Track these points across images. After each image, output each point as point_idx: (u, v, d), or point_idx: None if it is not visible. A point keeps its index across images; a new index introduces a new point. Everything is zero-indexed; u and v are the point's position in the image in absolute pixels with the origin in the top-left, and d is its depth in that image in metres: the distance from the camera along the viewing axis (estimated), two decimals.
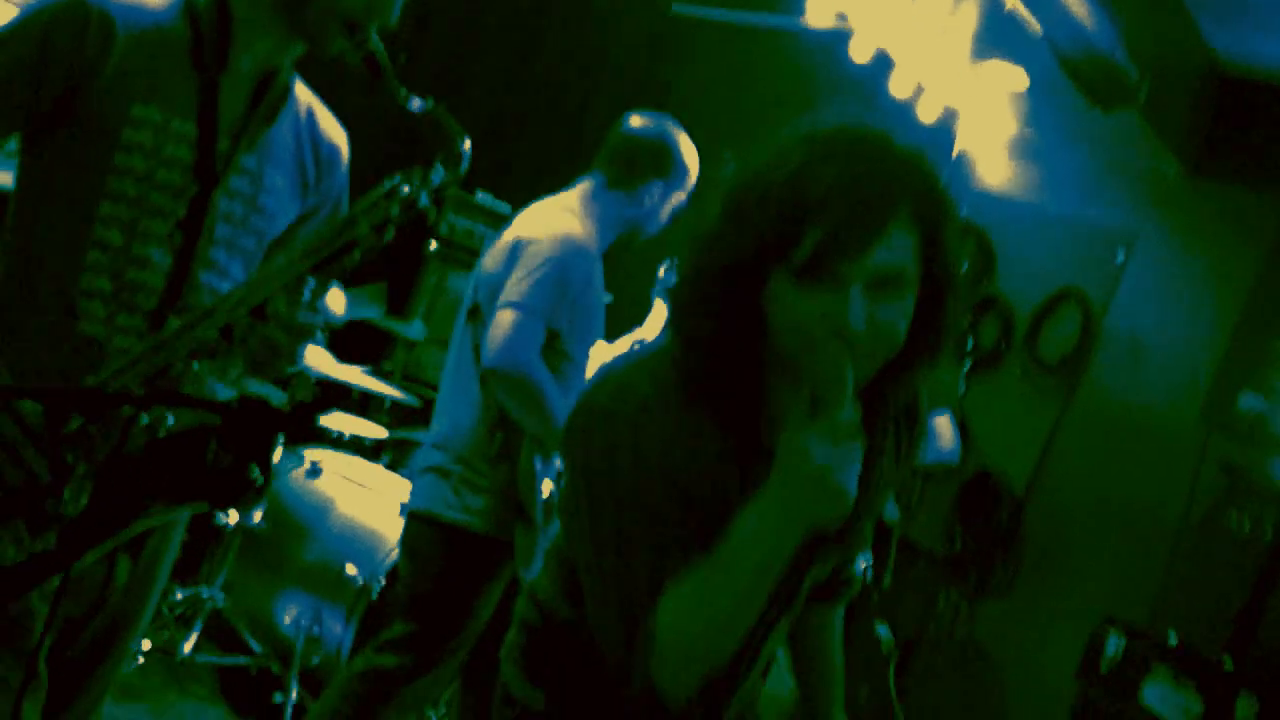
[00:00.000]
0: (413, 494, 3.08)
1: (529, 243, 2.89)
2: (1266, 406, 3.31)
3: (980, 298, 5.59)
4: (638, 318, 3.54)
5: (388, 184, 1.86)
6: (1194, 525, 4.66)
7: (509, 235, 2.99)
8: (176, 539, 2.22)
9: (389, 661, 3.00)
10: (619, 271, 3.51)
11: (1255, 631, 4.23)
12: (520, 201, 3.20)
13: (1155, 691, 4.05)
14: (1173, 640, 4.14)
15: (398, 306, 5.06)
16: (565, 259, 2.87)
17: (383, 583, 3.77)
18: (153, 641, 3.79)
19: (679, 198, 3.16)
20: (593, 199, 3.08)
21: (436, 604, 3.02)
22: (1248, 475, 4.55)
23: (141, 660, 3.73)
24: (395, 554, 3.78)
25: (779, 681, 4.60)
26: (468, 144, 1.89)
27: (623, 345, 3.43)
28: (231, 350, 1.79)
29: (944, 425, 4.81)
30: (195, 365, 1.80)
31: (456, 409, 3.04)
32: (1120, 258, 5.20)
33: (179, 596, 3.96)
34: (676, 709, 1.46)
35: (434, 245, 5.14)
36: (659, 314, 3.56)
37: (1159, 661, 4.07)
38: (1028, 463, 5.06)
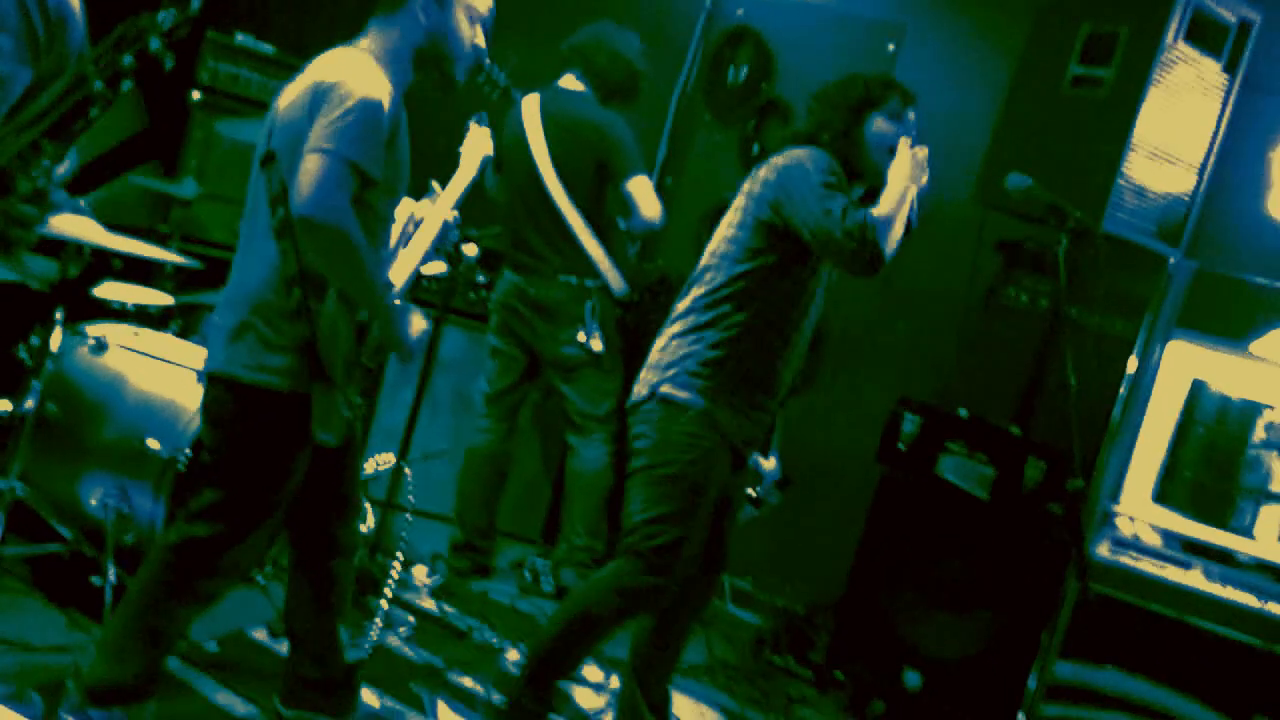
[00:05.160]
0: (208, 357, 2.95)
1: (331, 87, 2.72)
2: (1034, 183, 3.44)
3: (762, 101, 5.63)
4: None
5: (115, 33, 1.76)
6: (977, 303, 4.89)
7: (306, 80, 2.80)
8: None
9: (201, 530, 2.93)
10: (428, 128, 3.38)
11: (1037, 399, 4.50)
12: (284, 43, 3.04)
13: (951, 463, 4.29)
14: (964, 414, 4.38)
15: (167, 165, 4.81)
16: (370, 103, 2.73)
17: (189, 453, 3.69)
18: None
19: (474, 7, 2.99)
20: (375, 37, 2.92)
21: (243, 468, 2.95)
22: (1021, 251, 4.78)
23: None
24: (197, 422, 3.69)
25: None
26: None
27: (426, 203, 3.29)
28: None
29: None
30: None
31: (249, 263, 2.89)
32: (891, 48, 5.29)
33: None
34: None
35: (197, 95, 4.87)
36: (476, 139, 3.49)
37: (952, 435, 4.31)
38: None
